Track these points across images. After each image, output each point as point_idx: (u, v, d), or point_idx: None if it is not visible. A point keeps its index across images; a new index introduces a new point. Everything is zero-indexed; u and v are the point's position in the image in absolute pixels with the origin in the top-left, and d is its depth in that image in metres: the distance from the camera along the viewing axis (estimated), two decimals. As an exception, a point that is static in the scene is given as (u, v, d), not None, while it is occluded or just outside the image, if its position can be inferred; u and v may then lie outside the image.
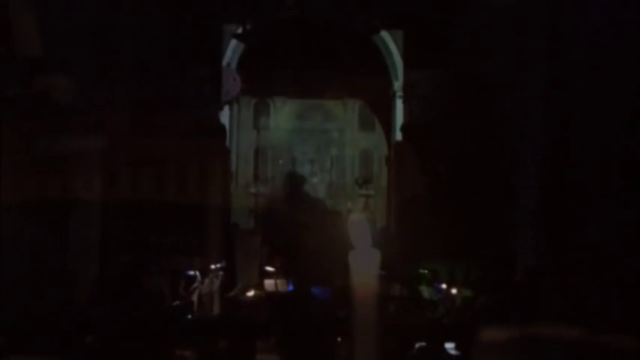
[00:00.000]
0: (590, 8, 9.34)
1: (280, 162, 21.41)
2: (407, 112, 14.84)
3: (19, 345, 7.08)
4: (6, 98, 8.70)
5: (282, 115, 21.84)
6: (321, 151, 21.92)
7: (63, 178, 10.21)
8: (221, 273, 12.37)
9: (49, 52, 9.61)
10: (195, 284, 11.48)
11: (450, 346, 7.92)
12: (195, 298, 11.43)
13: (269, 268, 12.72)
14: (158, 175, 13.50)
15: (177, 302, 10.65)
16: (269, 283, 12.06)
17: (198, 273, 11.73)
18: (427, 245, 13.61)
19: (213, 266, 12.42)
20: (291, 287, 11.26)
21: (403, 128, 14.90)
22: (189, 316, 10.57)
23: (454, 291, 11.23)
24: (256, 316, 11.26)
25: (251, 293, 12.04)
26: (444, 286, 11.48)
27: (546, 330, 1.94)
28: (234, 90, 15.29)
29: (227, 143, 15.78)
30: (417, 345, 7.77)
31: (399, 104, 15.57)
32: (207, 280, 11.83)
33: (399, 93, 15.59)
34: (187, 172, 13.71)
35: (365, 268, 1.79)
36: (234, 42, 15.17)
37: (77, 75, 10.69)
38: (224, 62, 15.27)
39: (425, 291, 11.46)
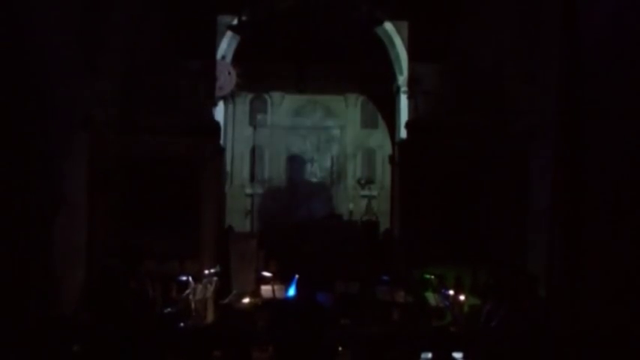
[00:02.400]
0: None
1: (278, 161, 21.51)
2: (412, 108, 14.83)
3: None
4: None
5: (280, 111, 21.87)
6: (321, 149, 21.95)
7: (49, 177, 10.23)
8: (215, 278, 12.37)
9: (39, 45, 9.63)
10: (188, 290, 11.49)
11: (458, 355, 7.95)
12: (187, 304, 11.44)
13: (266, 274, 12.74)
14: (148, 175, 13.51)
15: (169, 309, 10.66)
16: (266, 289, 12.07)
17: (191, 278, 11.74)
18: (433, 249, 13.63)
19: (206, 271, 12.43)
20: (291, 292, 11.27)
21: (408, 125, 14.92)
22: (182, 324, 10.58)
23: (462, 297, 11.25)
24: (252, 324, 11.27)
25: (247, 300, 12.06)
26: (450, 292, 11.50)
27: None
28: (229, 85, 15.31)
29: (221, 141, 15.77)
30: (423, 354, 7.81)
31: (404, 100, 15.57)
32: (200, 286, 11.84)
33: (404, 88, 15.58)
34: (179, 171, 13.72)
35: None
36: (229, 34, 15.17)
37: (66, 68, 10.71)
38: (218, 55, 15.28)
39: (431, 297, 11.47)
